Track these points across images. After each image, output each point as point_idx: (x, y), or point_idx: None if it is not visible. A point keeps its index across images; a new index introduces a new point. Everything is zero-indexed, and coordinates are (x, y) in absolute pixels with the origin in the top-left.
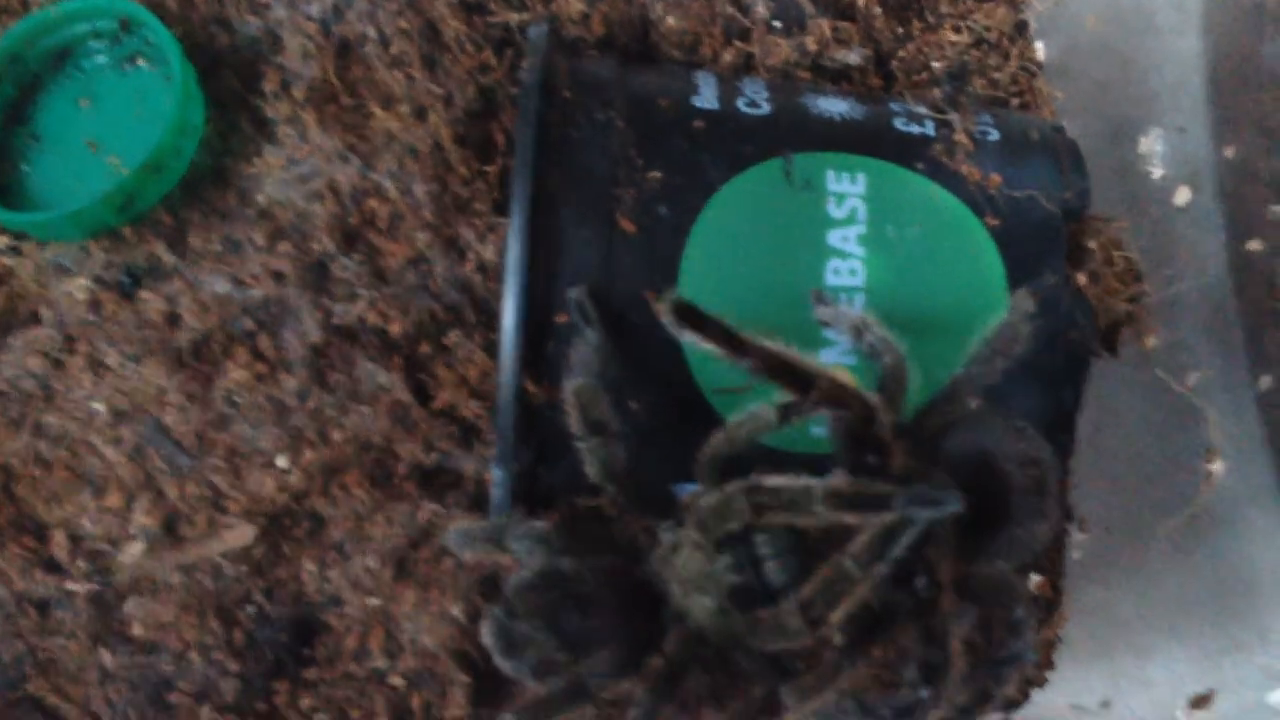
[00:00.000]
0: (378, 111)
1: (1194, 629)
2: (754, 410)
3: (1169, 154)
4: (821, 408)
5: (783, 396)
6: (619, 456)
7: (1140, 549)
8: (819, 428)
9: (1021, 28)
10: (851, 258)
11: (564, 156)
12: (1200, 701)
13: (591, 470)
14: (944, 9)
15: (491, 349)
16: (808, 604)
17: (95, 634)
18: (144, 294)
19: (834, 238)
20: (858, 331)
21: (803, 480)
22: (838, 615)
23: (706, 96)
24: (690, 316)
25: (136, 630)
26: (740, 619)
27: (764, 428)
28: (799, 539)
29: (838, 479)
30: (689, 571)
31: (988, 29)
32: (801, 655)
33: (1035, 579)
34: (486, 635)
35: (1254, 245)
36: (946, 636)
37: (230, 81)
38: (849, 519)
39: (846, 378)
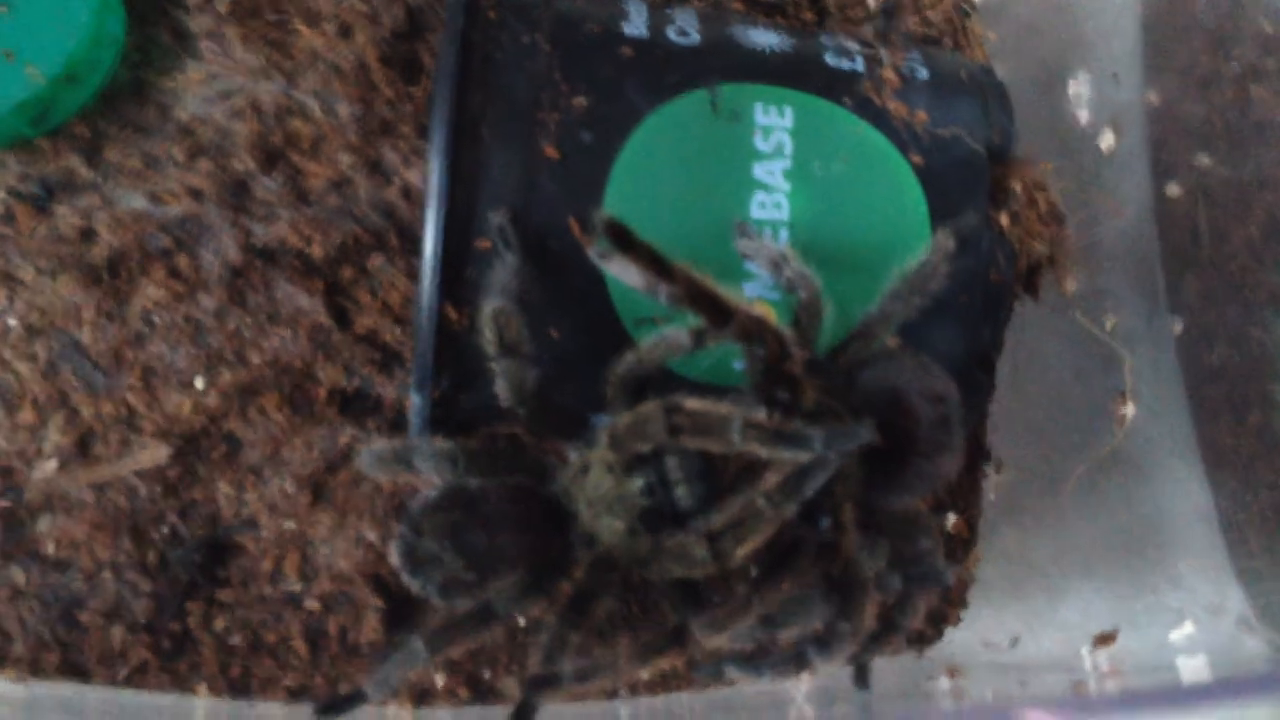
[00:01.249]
0: (302, 29)
1: (1107, 572)
2: (667, 333)
3: (1096, 99)
4: (737, 340)
5: (698, 324)
6: (530, 378)
7: (1056, 491)
8: (740, 362)
9: None
10: (776, 191)
11: (487, 78)
12: (1104, 639)
13: (502, 391)
14: None
15: (414, 274)
16: (716, 535)
17: (6, 551)
18: (59, 208)
19: (759, 171)
20: (776, 265)
21: (724, 406)
22: (744, 550)
23: (636, 24)
24: (620, 237)
25: (48, 548)
26: (648, 542)
27: (676, 351)
28: (710, 464)
29: (759, 412)
30: (598, 493)
31: None
32: (710, 581)
33: (951, 519)
34: (393, 553)
35: (1174, 190)
36: (856, 571)
37: None
38: (764, 452)
39: (765, 313)
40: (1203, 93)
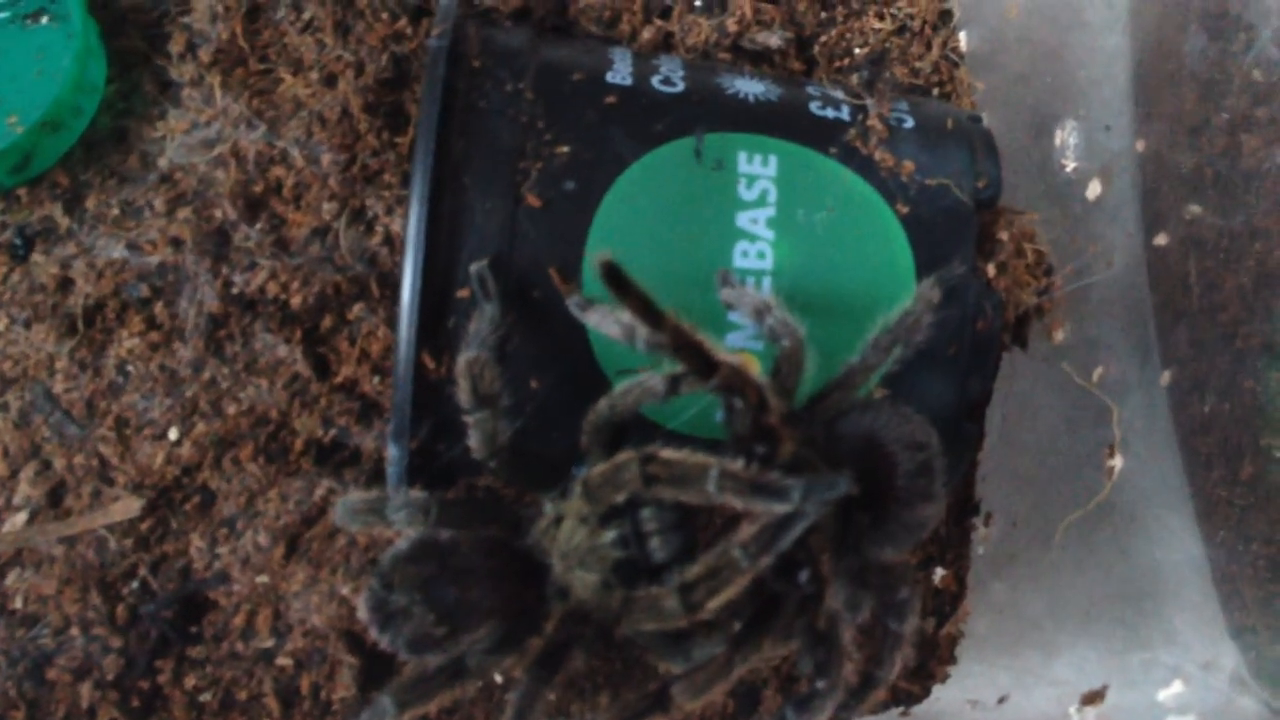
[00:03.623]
0: (286, 77)
1: (1099, 626)
2: (641, 378)
3: (1085, 147)
4: (718, 391)
5: (673, 371)
6: (503, 430)
7: (1047, 544)
8: (722, 413)
9: (946, 17)
10: (760, 240)
11: (470, 125)
12: (1092, 698)
13: (475, 443)
14: None
15: (395, 324)
16: (689, 587)
17: None
18: (36, 257)
19: (743, 220)
20: (759, 314)
21: (699, 456)
22: (716, 602)
23: (620, 72)
24: (615, 278)
25: (16, 603)
26: (621, 595)
27: (650, 397)
28: (685, 516)
29: (735, 463)
30: (571, 545)
31: (911, 17)
32: (685, 635)
33: (940, 572)
34: (361, 607)
35: (1161, 240)
36: (835, 628)
37: (135, 41)
38: (740, 504)
39: (746, 364)
40: (1193, 141)
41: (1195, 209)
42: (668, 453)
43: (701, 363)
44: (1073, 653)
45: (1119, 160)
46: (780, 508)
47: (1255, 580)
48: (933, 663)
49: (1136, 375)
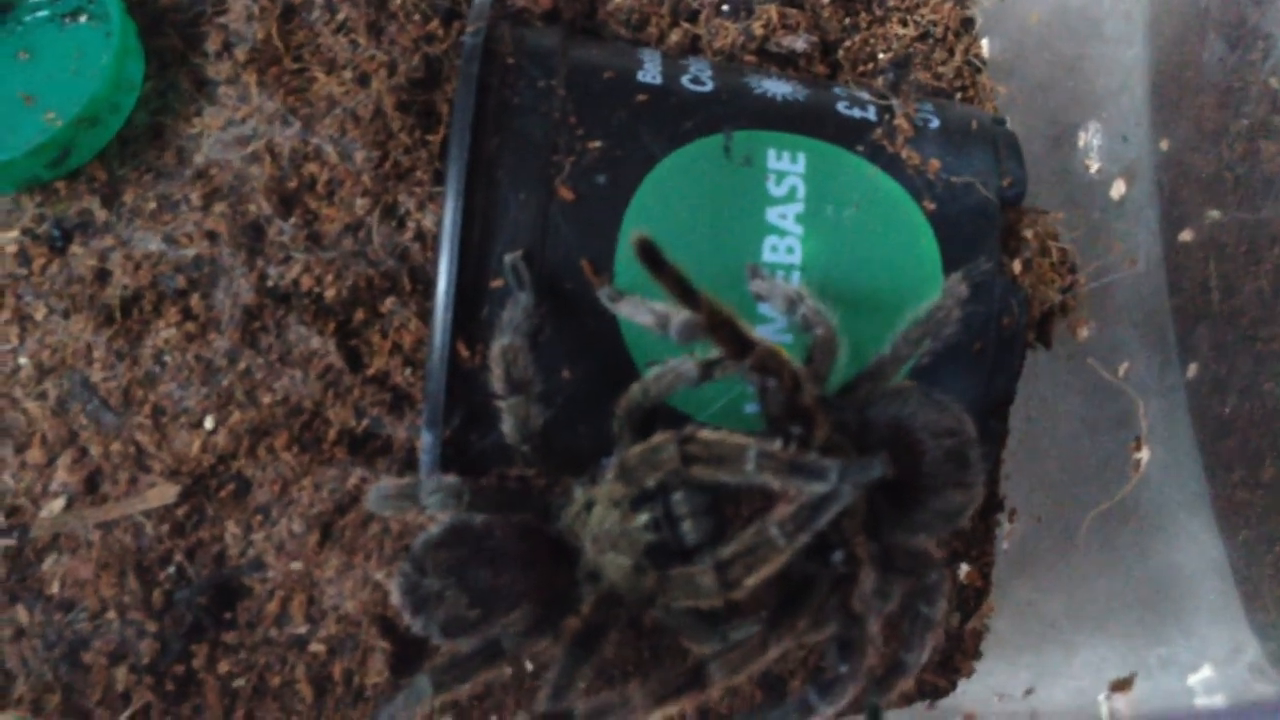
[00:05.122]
0: (320, 76)
1: (1120, 626)
2: (675, 363)
3: (1106, 148)
4: (753, 372)
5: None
6: (535, 415)
7: (1068, 542)
8: (752, 405)
9: (968, 24)
10: (789, 235)
11: (503, 121)
12: (1121, 685)
13: (507, 428)
14: (891, 2)
15: (427, 317)
16: (725, 565)
17: (11, 590)
18: (75, 249)
19: (772, 215)
20: (791, 304)
21: (738, 436)
22: (753, 580)
23: (650, 71)
24: (651, 257)
25: (54, 588)
26: (654, 577)
27: (683, 382)
28: (716, 500)
29: (773, 443)
30: (603, 529)
31: (934, 24)
32: (715, 615)
33: (965, 568)
34: (395, 592)
35: (1185, 238)
36: (864, 612)
37: (172, 40)
38: (777, 483)
39: (781, 349)
40: (1212, 148)
41: (1215, 214)
42: (706, 433)
43: (737, 342)
44: (1093, 651)
45: (1139, 164)
46: (818, 487)
47: (1277, 580)
48: (958, 657)
49: (1156, 379)
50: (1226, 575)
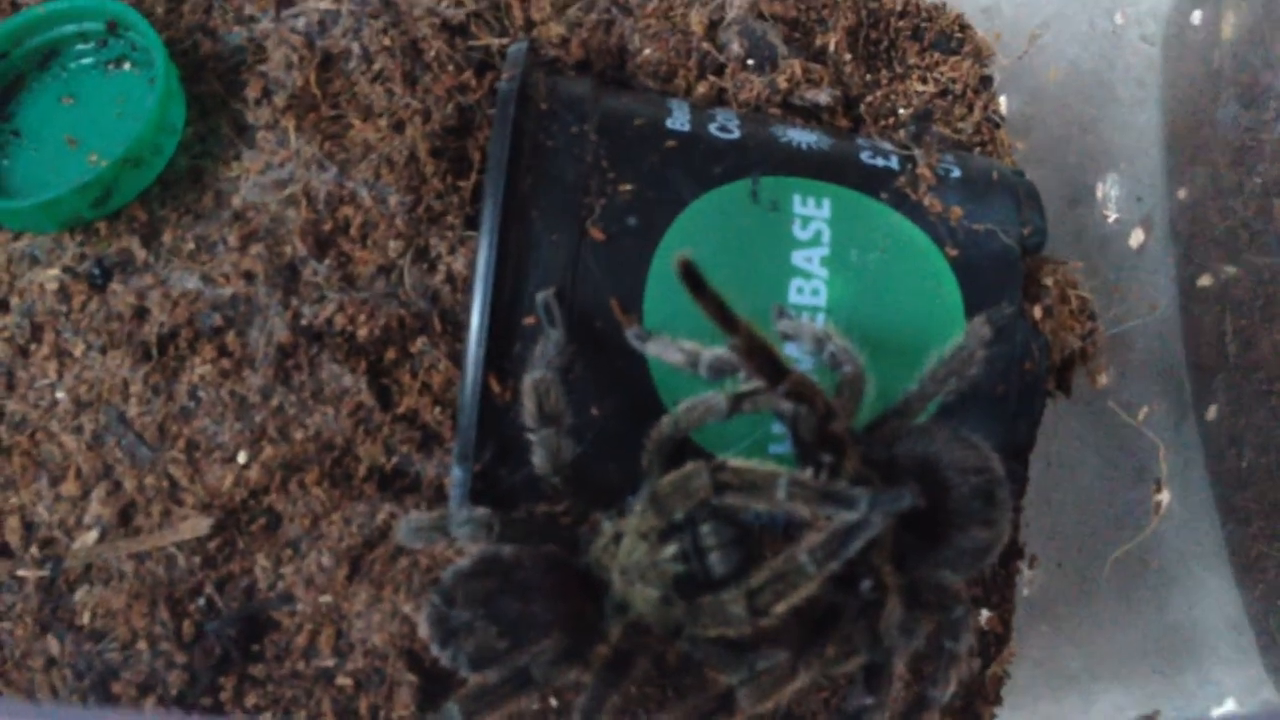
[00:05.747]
0: (356, 122)
1: (1137, 675)
2: (705, 396)
3: (1123, 200)
4: (784, 400)
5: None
6: (566, 447)
7: (1087, 591)
8: (777, 446)
9: (986, 81)
10: (814, 278)
11: (537, 162)
12: None
13: (539, 460)
14: (912, 60)
15: (456, 358)
16: (755, 592)
17: (43, 620)
18: (114, 287)
19: (798, 258)
20: (819, 343)
21: (769, 465)
22: (782, 606)
23: (679, 119)
24: (693, 279)
25: (85, 618)
26: (682, 608)
27: (713, 415)
28: (744, 533)
29: (804, 472)
30: (631, 559)
31: (954, 81)
32: (743, 645)
33: (986, 614)
34: (423, 623)
35: (1205, 281)
36: (890, 642)
37: (213, 86)
38: (808, 512)
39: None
40: (1226, 205)
41: (1231, 269)
42: (737, 462)
43: (771, 368)
44: (1110, 699)
45: (1154, 216)
46: (848, 516)
47: None
48: (979, 702)
49: (1173, 431)
50: (1244, 627)
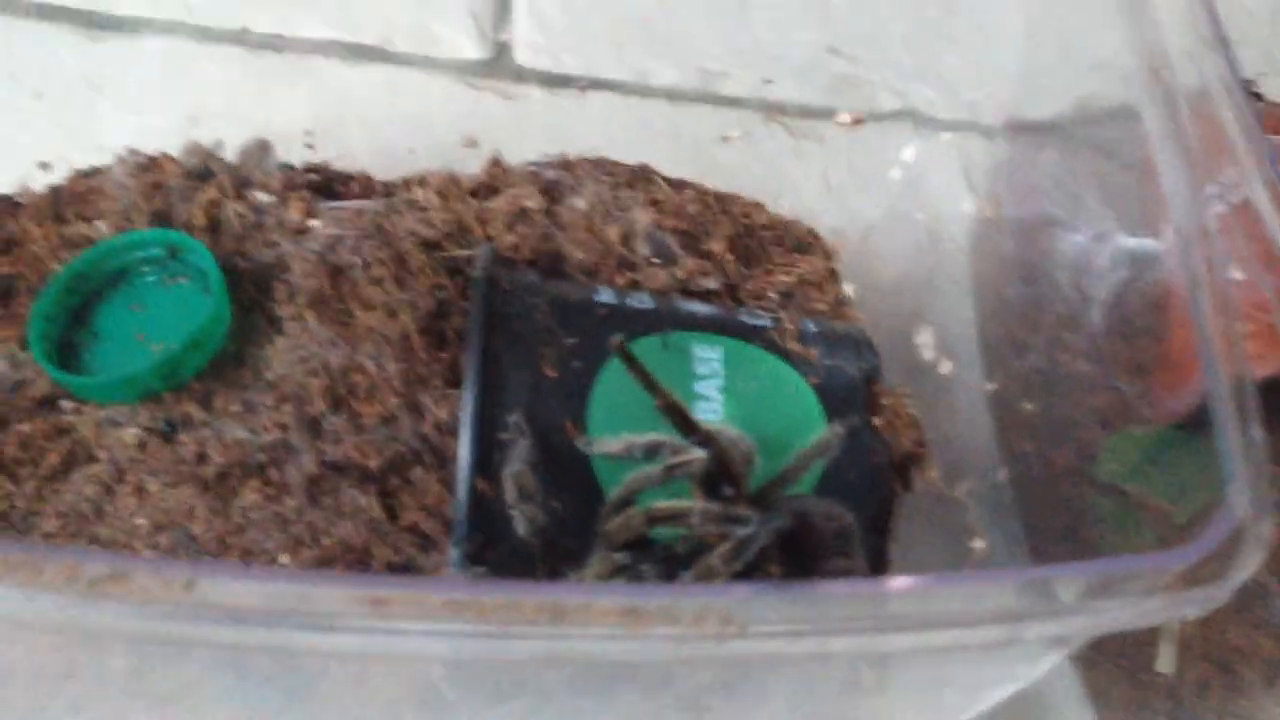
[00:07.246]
0: (360, 313)
1: None
2: (645, 469)
3: (938, 344)
4: (700, 445)
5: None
6: (542, 515)
7: None
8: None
9: (834, 274)
10: (713, 400)
11: (504, 326)
12: None
13: (521, 526)
14: (777, 259)
15: (446, 483)
16: None
17: None
18: (180, 438)
19: (699, 386)
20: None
21: (686, 501)
22: None
23: (605, 297)
24: (627, 357)
25: None
26: None
27: (650, 482)
28: (675, 558)
29: (711, 504)
30: None
31: (809, 274)
32: None
33: None
34: None
35: (990, 387)
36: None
37: (250, 291)
38: (714, 530)
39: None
40: (1020, 354)
41: (1028, 405)
42: (662, 503)
43: (686, 422)
44: None
45: (962, 355)
46: (742, 531)
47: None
48: None
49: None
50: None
